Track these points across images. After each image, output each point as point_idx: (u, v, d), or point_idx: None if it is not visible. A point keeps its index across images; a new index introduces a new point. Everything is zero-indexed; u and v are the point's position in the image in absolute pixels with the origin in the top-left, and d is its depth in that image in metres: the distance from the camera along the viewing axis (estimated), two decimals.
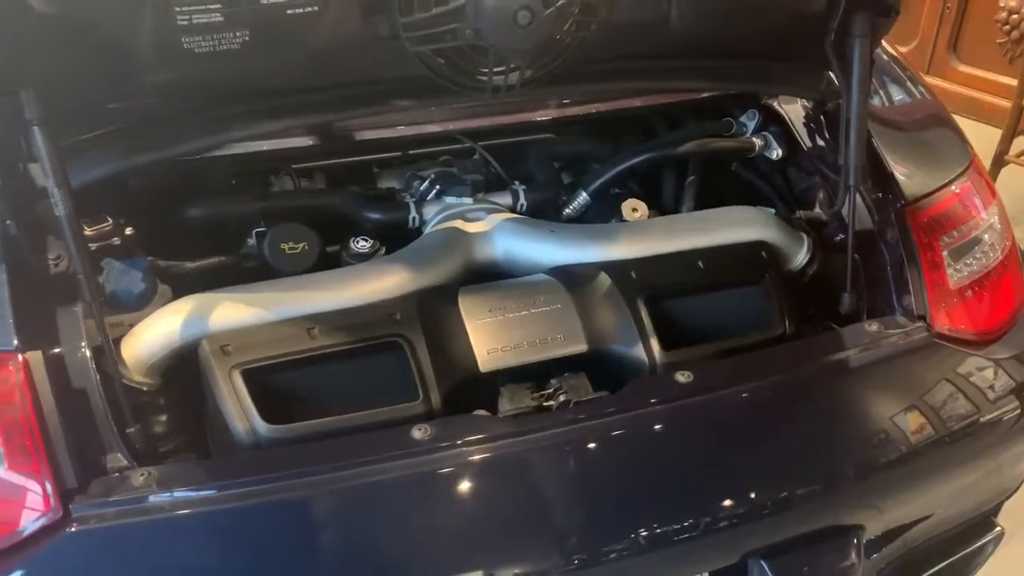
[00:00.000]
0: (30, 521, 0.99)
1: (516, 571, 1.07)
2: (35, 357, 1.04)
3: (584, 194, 1.54)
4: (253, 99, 1.15)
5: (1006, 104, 3.28)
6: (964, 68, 4.29)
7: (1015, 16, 3.97)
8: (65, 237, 1.03)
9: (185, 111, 1.15)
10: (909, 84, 1.68)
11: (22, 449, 1.01)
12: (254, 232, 1.39)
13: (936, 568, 1.44)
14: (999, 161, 3.23)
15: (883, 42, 1.72)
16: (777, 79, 1.44)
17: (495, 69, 1.14)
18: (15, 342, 1.03)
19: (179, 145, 1.17)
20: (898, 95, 1.68)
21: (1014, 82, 3.19)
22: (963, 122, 4.36)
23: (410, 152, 1.59)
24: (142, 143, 1.15)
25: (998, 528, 1.52)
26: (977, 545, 1.48)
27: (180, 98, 1.12)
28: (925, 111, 1.63)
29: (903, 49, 4.36)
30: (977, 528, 1.48)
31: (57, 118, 1.02)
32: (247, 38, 1.03)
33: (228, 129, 1.16)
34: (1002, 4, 4.06)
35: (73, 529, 1.00)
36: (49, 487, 1.00)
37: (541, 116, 1.51)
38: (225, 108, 1.15)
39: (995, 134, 3.33)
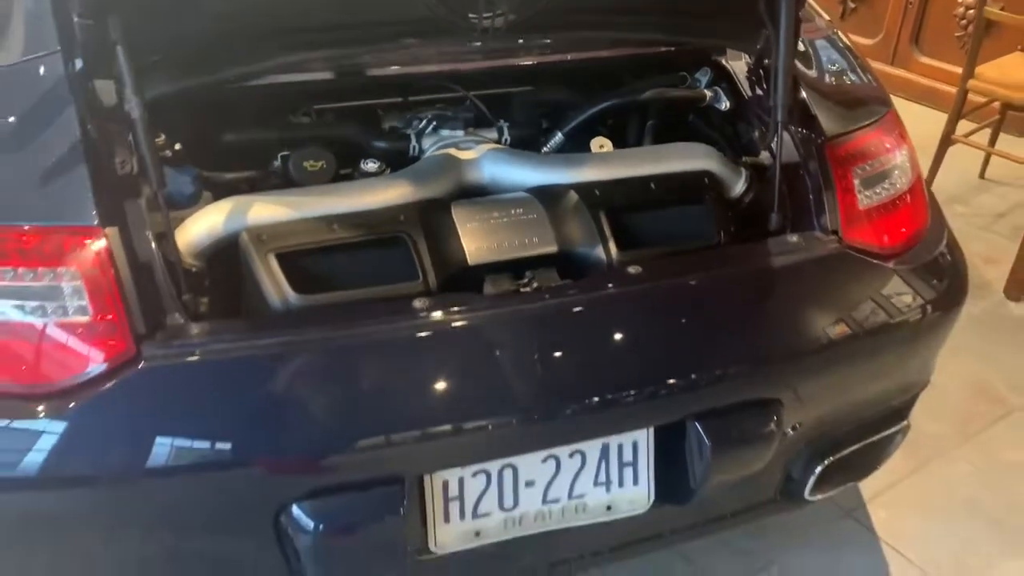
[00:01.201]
0: (110, 358, 1.24)
1: (490, 416, 1.33)
2: (112, 232, 1.29)
3: (559, 134, 1.80)
4: (289, 33, 1.42)
5: None
6: (925, 60, 4.60)
7: (971, 11, 4.27)
8: (138, 136, 1.28)
9: (232, 42, 1.41)
10: (859, 71, 1.93)
11: (103, 302, 1.26)
12: (279, 155, 1.65)
13: (851, 449, 1.69)
14: (946, 141, 3.52)
15: (839, 32, 1.98)
16: (721, 34, 1.71)
17: (484, 13, 1.41)
18: (97, 220, 1.29)
19: (225, 70, 1.43)
20: (848, 76, 1.92)
21: None
22: (924, 110, 4.67)
23: (410, 99, 1.86)
24: (196, 68, 1.41)
25: (905, 422, 1.79)
26: (887, 433, 1.75)
27: (230, 28, 1.38)
28: (864, 87, 1.87)
29: (869, 42, 4.68)
30: (889, 419, 1.75)
31: (134, 40, 1.28)
32: None
33: (268, 58, 1.43)
34: (959, 0, 4.37)
35: (143, 366, 1.25)
36: (125, 332, 1.26)
37: (523, 62, 1.78)
38: (266, 40, 1.41)
39: None
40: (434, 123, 1.75)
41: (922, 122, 3.86)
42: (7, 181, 1.31)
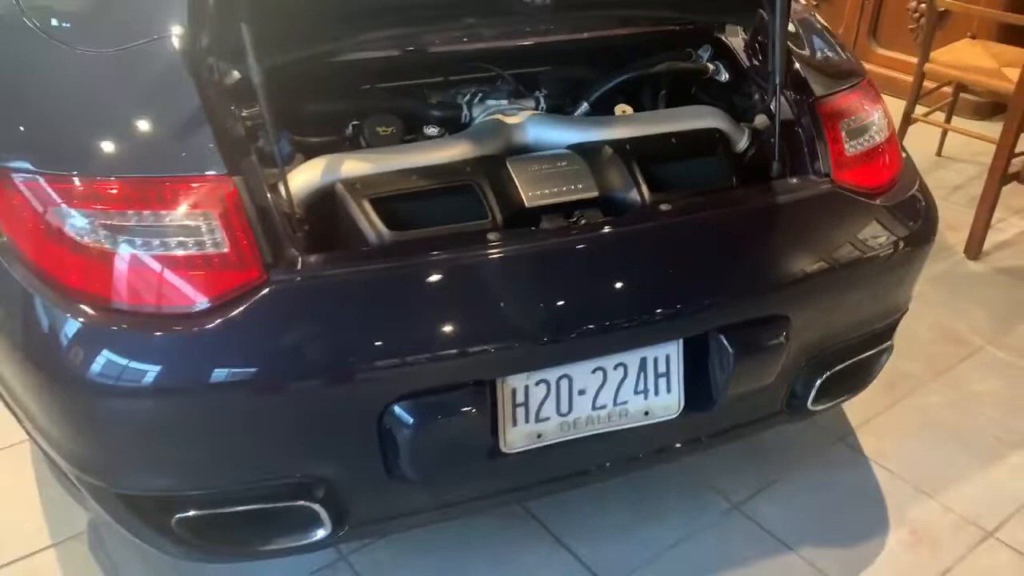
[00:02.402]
0: (244, 282, 1.49)
1: (550, 326, 1.59)
2: (238, 180, 1.53)
3: (586, 104, 2.08)
4: (372, 13, 1.68)
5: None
6: (883, 51, 4.95)
7: (923, 6, 4.63)
8: (260, 97, 1.53)
9: (326, 20, 1.66)
10: (837, 48, 2.22)
11: (236, 237, 1.50)
12: (351, 123, 1.92)
13: (846, 364, 1.99)
14: (907, 119, 3.86)
15: (816, 15, 2.28)
16: (726, 11, 2.01)
17: None
18: (226, 170, 1.54)
19: (317, 47, 1.69)
20: (828, 52, 2.22)
21: None
22: (884, 97, 5.00)
23: (451, 78, 2.13)
24: (296, 43, 1.67)
25: (890, 342, 2.10)
26: (875, 351, 2.05)
27: (325, 9, 1.64)
28: (843, 60, 2.18)
29: None
30: (876, 339, 2.06)
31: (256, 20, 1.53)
32: None
33: (354, 35, 1.69)
34: None
35: (271, 289, 1.49)
36: (256, 260, 1.50)
37: (560, 38, 2.06)
38: (352, 19, 1.67)
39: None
40: (480, 95, 2.02)
41: None
42: (150, 142, 1.55)
